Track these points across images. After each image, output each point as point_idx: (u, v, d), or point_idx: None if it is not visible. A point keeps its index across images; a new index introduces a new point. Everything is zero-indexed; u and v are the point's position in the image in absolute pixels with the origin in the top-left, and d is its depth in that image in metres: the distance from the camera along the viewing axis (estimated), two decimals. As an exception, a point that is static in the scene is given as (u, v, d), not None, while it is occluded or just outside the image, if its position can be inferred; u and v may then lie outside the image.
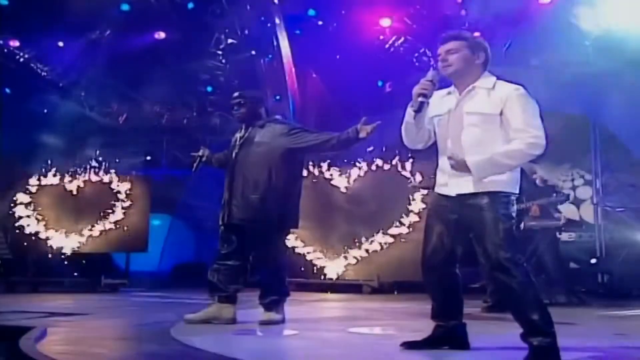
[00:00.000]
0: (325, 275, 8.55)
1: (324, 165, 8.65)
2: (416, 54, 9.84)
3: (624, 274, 6.83)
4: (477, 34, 9.51)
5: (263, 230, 4.40)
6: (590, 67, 7.65)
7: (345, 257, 8.42)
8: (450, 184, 3.15)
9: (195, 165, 4.79)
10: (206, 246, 9.60)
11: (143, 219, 8.94)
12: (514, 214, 3.10)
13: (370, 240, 8.24)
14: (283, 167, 4.43)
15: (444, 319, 3.23)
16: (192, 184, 10.78)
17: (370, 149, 8.18)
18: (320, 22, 10.63)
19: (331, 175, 8.67)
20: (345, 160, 8.59)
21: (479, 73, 3.18)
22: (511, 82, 3.20)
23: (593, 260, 7.06)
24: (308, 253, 8.67)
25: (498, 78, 3.19)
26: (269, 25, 10.68)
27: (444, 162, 3.20)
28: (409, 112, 3.20)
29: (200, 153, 4.78)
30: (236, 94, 4.67)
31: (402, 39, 9.81)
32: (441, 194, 3.22)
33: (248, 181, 4.42)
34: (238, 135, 4.65)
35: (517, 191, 3.14)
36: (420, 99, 3.13)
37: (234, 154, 4.56)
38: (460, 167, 3.03)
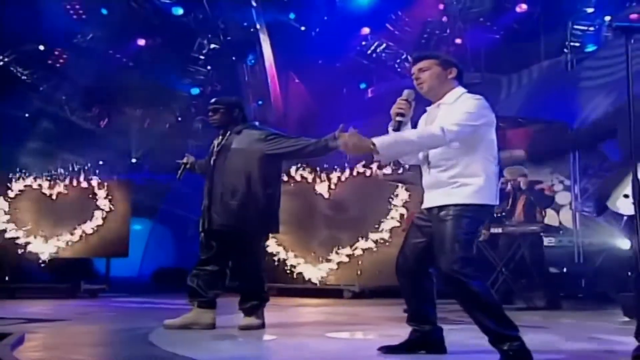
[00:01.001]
0: (306, 280, 8.49)
1: (306, 171, 8.65)
2: (398, 60, 9.92)
3: (602, 278, 6.91)
4: (458, 40, 9.74)
5: (242, 235, 4.41)
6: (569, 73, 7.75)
7: (327, 262, 8.37)
8: (426, 197, 3.25)
9: (180, 172, 4.82)
10: (187, 251, 9.51)
11: (124, 224, 8.86)
12: (478, 228, 3.14)
13: (351, 245, 8.21)
14: (261, 173, 4.44)
15: (418, 324, 3.28)
16: (174, 189, 10.71)
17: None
18: (302, 28, 10.67)
19: (313, 180, 8.68)
20: (327, 166, 8.60)
21: (453, 85, 3.25)
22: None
23: (564, 270, 7.15)
24: (289, 258, 8.61)
25: (469, 91, 3.24)
26: (251, 30, 10.70)
27: (424, 177, 3.28)
28: (389, 131, 3.24)
29: (184, 160, 4.81)
30: (212, 101, 4.70)
31: (384, 45, 9.86)
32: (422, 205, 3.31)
33: (227, 187, 4.43)
34: (216, 142, 4.66)
35: (493, 202, 3.16)
36: (397, 118, 3.19)
37: (212, 161, 4.57)
38: (356, 148, 3.01)
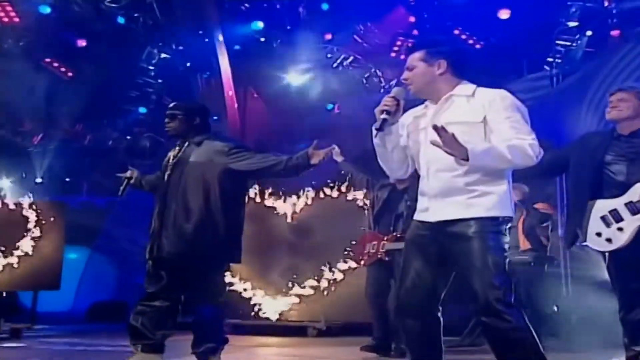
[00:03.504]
0: (264, 315, 8.06)
1: (266, 192, 8.26)
2: (366, 74, 9.67)
3: (592, 314, 6.55)
4: None
5: (198, 265, 3.97)
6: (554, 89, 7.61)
7: (288, 295, 7.99)
8: (432, 209, 2.81)
9: (122, 188, 4.38)
10: (129, 283, 8.98)
11: (56, 252, 8.20)
12: (506, 245, 2.77)
13: (316, 276, 7.83)
14: (222, 192, 4.05)
15: (420, 374, 2.80)
16: (116, 212, 10.14)
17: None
18: (262, 39, 10.32)
19: (274, 202, 8.28)
20: (288, 188, 8.21)
21: (452, 82, 2.89)
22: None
23: (555, 308, 6.80)
24: (245, 290, 8.15)
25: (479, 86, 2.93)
26: (206, 40, 10.29)
27: (423, 185, 2.89)
28: (373, 131, 2.89)
29: (128, 175, 4.38)
30: (170, 105, 4.31)
31: (351, 57, 9.59)
32: (420, 220, 2.87)
33: (181, 207, 4.01)
34: (171, 154, 4.27)
35: (511, 214, 2.83)
36: (382, 116, 2.81)
37: (165, 176, 4.16)
38: (452, 145, 2.63)
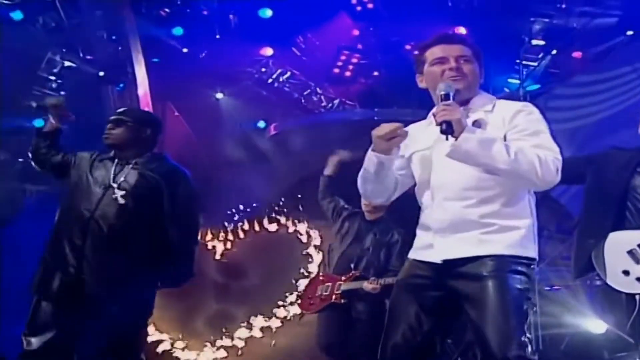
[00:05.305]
0: None
1: None
2: (305, 92, 9.47)
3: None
4: (375, 73, 9.39)
5: (115, 308, 3.55)
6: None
7: (215, 348, 7.81)
8: (437, 246, 2.67)
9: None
10: (9, 334, 8.15)
11: None
12: (531, 292, 2.66)
13: (248, 324, 7.77)
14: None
15: None
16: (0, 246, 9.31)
17: None
18: (185, 50, 9.94)
19: (201, 236, 7.91)
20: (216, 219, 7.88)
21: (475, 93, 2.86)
22: None
23: None
24: (162, 342, 7.90)
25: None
26: (120, 48, 9.81)
27: (426, 217, 2.77)
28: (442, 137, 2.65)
29: (54, 101, 4.30)
30: (119, 110, 4.23)
31: (289, 73, 9.38)
32: (420, 260, 2.74)
33: (96, 233, 3.70)
34: (105, 164, 4.00)
35: (535, 256, 2.70)
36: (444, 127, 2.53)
37: (90, 190, 3.84)
38: (452, 113, 2.48)
